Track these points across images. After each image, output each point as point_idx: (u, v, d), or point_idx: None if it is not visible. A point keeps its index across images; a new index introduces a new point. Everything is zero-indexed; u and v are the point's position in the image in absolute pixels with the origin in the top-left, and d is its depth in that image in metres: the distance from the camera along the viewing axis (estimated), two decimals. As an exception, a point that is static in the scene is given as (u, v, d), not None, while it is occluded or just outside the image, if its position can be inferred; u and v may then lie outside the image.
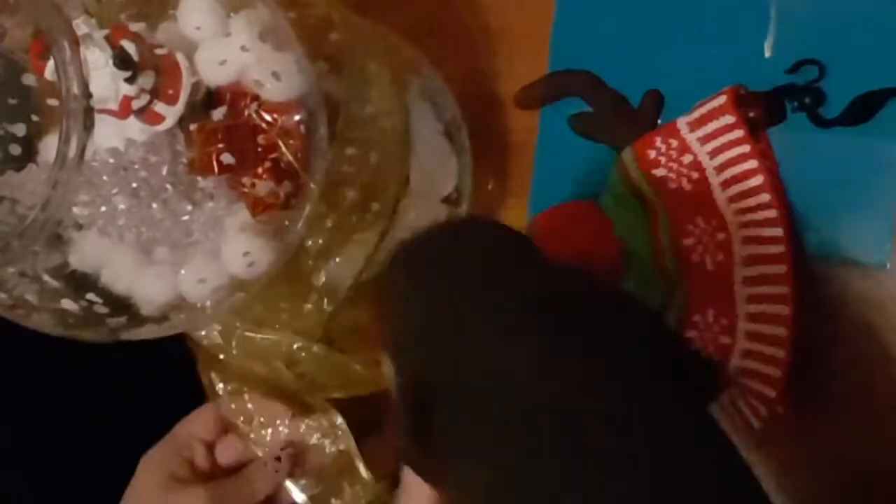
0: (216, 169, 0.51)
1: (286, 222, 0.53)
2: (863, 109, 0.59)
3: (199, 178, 0.52)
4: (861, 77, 0.59)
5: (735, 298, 0.58)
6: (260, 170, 0.52)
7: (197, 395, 0.72)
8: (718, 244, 0.59)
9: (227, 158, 0.51)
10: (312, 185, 0.53)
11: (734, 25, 0.62)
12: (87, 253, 0.52)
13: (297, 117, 0.52)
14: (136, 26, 0.50)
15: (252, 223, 0.52)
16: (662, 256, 0.60)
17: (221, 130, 0.51)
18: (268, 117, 0.52)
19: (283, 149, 0.52)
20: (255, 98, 0.52)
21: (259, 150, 0.52)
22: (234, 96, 0.52)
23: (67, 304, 0.51)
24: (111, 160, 0.51)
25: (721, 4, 0.62)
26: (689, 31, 0.63)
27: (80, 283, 0.52)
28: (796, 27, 0.60)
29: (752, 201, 0.59)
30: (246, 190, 0.52)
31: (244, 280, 0.53)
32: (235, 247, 0.52)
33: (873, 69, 0.59)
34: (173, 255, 0.52)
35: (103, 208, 0.51)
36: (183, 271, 0.52)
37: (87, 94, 0.45)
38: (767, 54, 0.61)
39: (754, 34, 0.61)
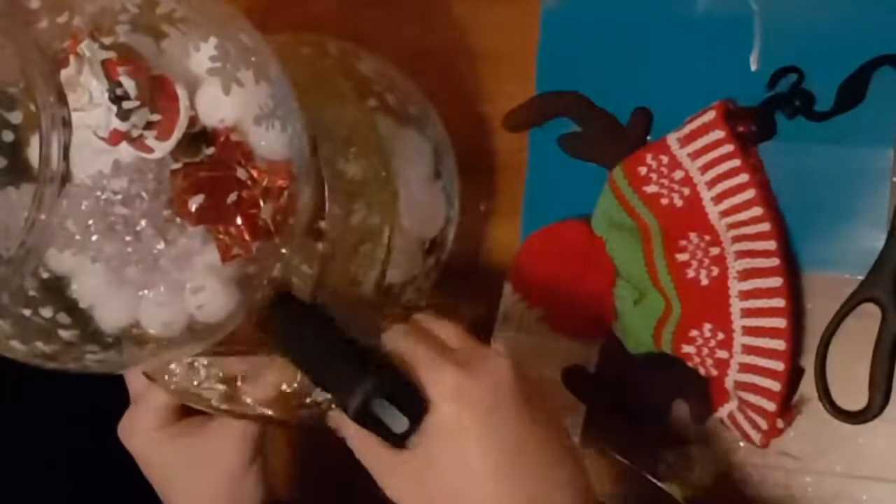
0: (195, 220, 0.51)
1: (254, 275, 0.52)
2: (852, 91, 0.59)
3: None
4: (838, 66, 0.59)
5: (731, 313, 0.58)
6: (238, 220, 0.52)
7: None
8: (712, 259, 0.59)
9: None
10: (284, 251, 0.52)
11: (719, 41, 0.62)
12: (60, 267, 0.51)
13: (280, 182, 0.52)
14: (142, 39, 0.49)
15: (220, 266, 0.52)
16: (657, 273, 0.60)
17: (205, 181, 0.51)
18: (255, 173, 0.52)
19: (263, 207, 0.52)
20: (246, 153, 0.51)
21: (239, 202, 0.52)
22: (227, 141, 0.51)
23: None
24: (95, 192, 0.50)
25: (705, 20, 0.62)
26: (675, 48, 0.63)
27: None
28: (780, 39, 0.61)
29: (744, 215, 0.59)
30: (221, 236, 0.52)
31: (201, 324, 0.52)
32: (199, 284, 0.52)
33: (846, 55, 0.59)
34: (141, 277, 0.51)
35: (77, 237, 0.50)
36: (145, 295, 0.52)
37: (66, 161, 0.45)
38: (754, 68, 0.61)
39: (740, 48, 0.61)
